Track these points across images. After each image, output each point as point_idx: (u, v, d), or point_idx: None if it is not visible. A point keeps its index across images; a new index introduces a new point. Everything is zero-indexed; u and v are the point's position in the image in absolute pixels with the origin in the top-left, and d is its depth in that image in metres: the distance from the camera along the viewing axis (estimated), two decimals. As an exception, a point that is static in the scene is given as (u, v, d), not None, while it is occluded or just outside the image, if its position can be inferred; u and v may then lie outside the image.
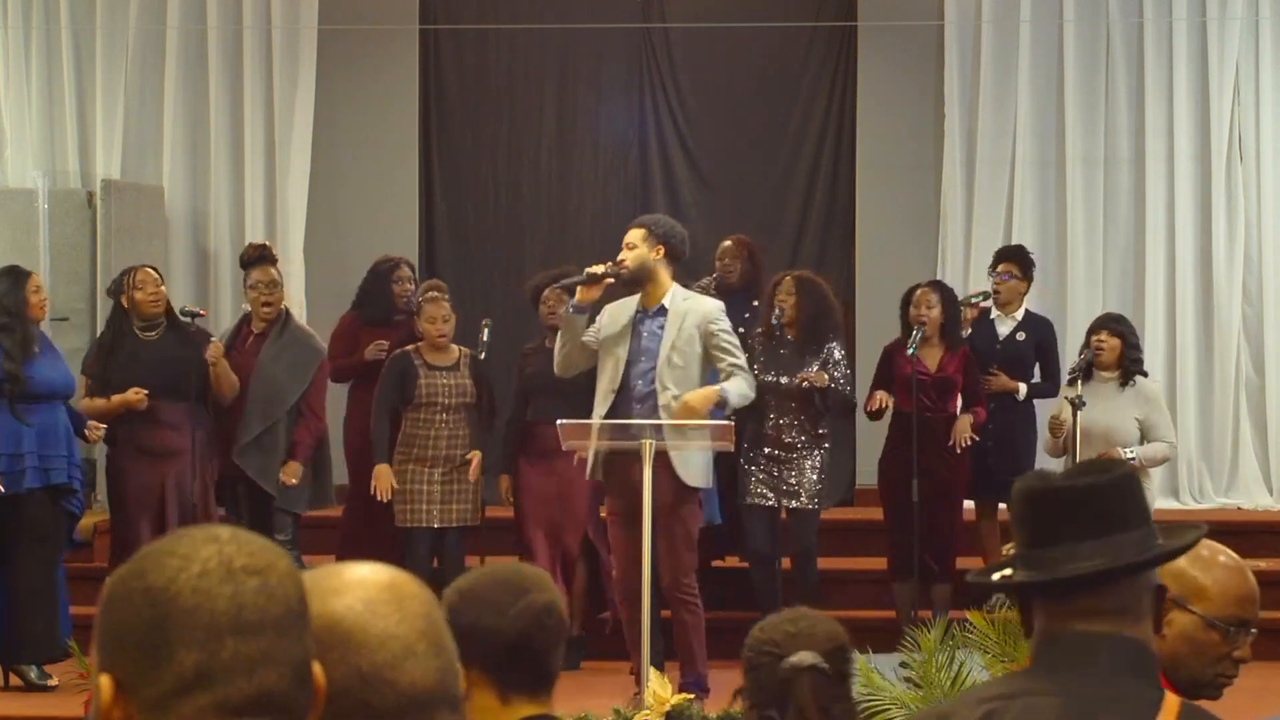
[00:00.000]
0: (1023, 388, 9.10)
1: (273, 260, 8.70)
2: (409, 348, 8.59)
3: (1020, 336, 9.25)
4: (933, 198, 11.07)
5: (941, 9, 10.99)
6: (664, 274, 7.33)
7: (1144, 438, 8.46)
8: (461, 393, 8.48)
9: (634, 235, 7.37)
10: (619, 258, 7.37)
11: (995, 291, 9.27)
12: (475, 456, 8.43)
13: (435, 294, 8.73)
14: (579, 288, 7.38)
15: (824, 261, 11.12)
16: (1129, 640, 2.42)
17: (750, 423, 8.48)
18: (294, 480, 8.38)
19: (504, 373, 9.27)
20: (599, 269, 7.35)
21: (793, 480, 8.43)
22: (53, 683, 7.97)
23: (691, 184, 11.42)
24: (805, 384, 8.33)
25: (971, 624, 7.12)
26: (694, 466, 7.35)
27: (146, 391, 8.14)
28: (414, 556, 8.23)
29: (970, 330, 9.14)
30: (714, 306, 7.44)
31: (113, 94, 10.96)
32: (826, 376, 8.40)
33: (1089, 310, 10.33)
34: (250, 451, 8.34)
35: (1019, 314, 9.32)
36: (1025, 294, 9.39)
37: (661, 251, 7.30)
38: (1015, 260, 9.37)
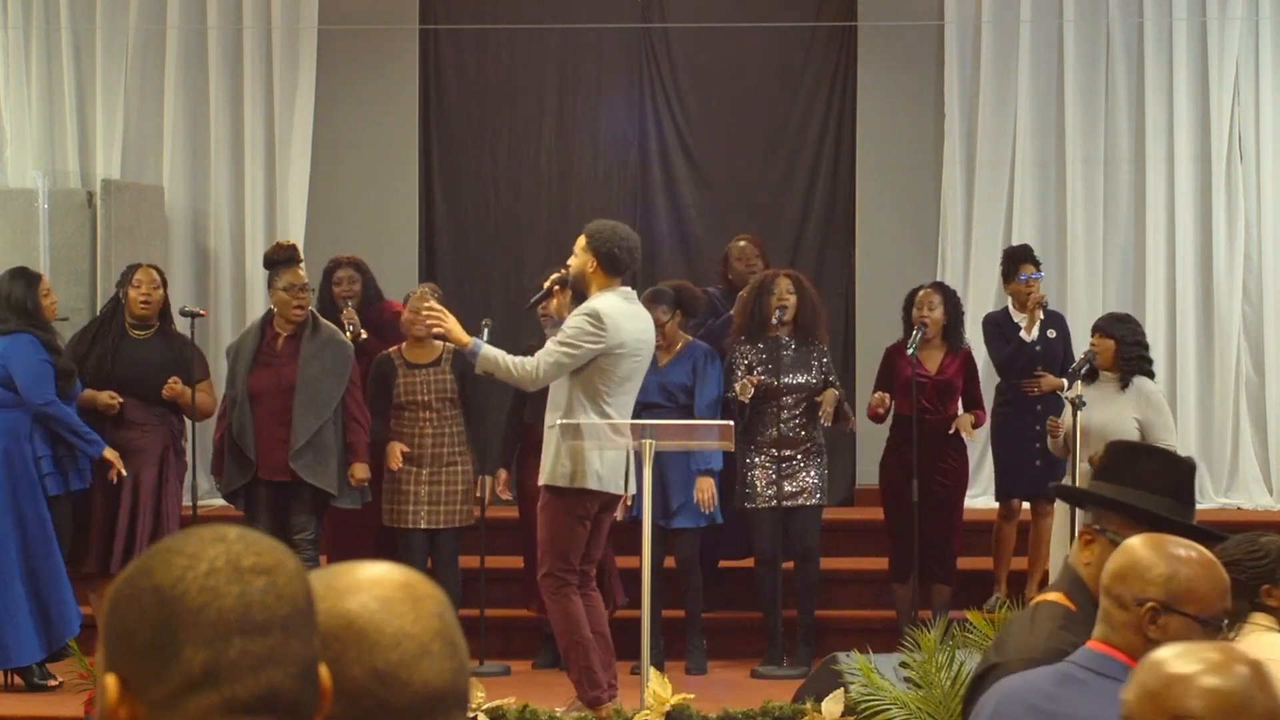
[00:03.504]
0: (1064, 383, 9.04)
1: (299, 260, 8.58)
2: (391, 349, 8.59)
3: (1051, 334, 9.23)
4: (933, 198, 11.07)
5: (941, 9, 10.99)
6: (595, 284, 7.21)
7: (1143, 438, 8.43)
8: (442, 389, 8.47)
9: (578, 242, 7.28)
10: (568, 261, 7.35)
11: (1028, 293, 9.19)
12: (484, 484, 8.53)
13: (425, 289, 8.74)
14: (547, 302, 7.47)
15: (824, 261, 11.13)
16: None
17: (752, 424, 8.49)
18: (366, 481, 8.30)
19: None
20: (553, 277, 7.43)
21: (796, 481, 8.44)
22: (54, 682, 7.98)
23: (691, 184, 11.42)
24: (828, 416, 8.40)
25: (971, 624, 7.12)
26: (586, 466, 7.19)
27: (121, 400, 8.14)
28: (408, 558, 8.21)
29: (1007, 341, 9.13)
30: (582, 306, 7.20)
31: (113, 94, 10.96)
32: (835, 393, 8.47)
33: (1089, 310, 10.32)
34: (304, 455, 8.18)
35: (1040, 313, 9.29)
36: None
37: (595, 263, 7.19)
38: (1031, 260, 9.34)
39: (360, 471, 8.30)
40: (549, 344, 7.21)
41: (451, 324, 7.22)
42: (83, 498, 8.18)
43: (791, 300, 8.53)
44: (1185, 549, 3.01)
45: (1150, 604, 2.97)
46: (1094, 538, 3.44)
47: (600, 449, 7.15)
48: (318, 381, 8.26)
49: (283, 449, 8.17)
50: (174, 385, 8.24)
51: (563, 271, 7.42)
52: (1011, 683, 3.13)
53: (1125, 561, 3.02)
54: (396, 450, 8.42)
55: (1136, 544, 3.04)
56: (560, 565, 7.21)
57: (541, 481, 7.26)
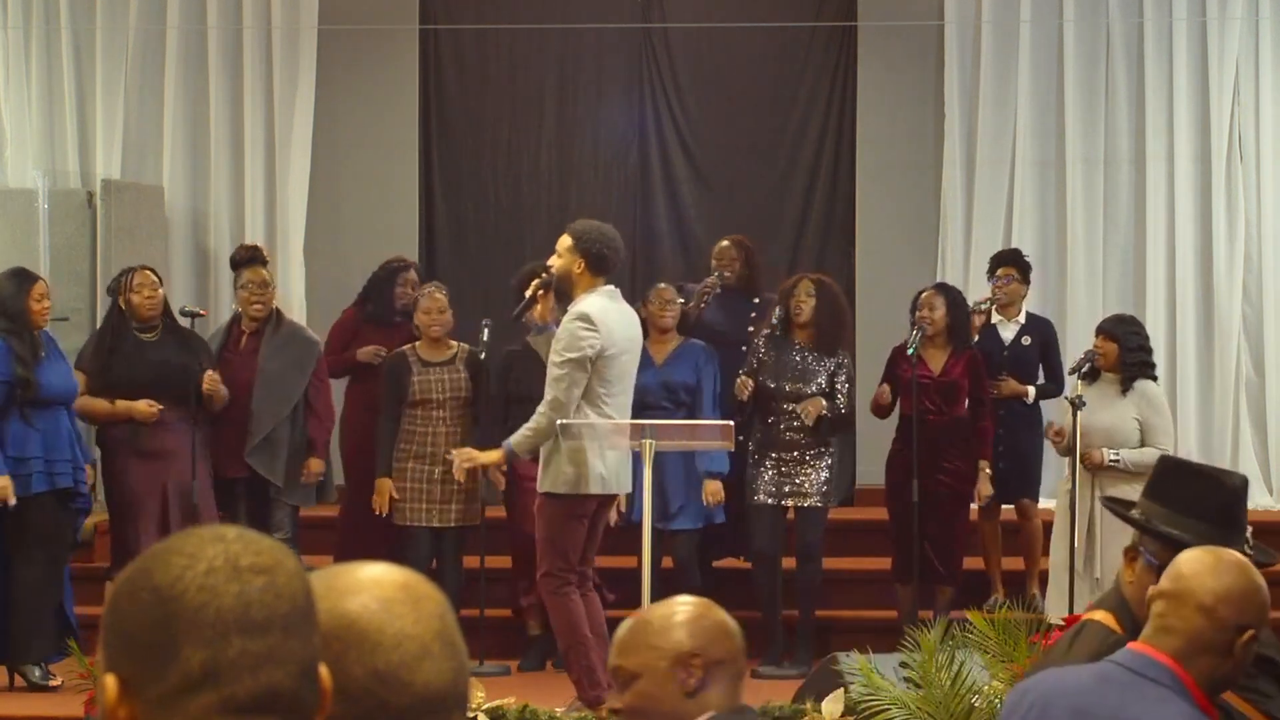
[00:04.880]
0: (1031, 391, 9.08)
1: (263, 261, 8.72)
2: (405, 347, 8.61)
3: (1026, 340, 9.24)
4: (933, 198, 11.06)
5: (941, 9, 10.98)
6: (581, 285, 7.20)
7: (1143, 439, 8.41)
8: (456, 388, 8.48)
9: (562, 242, 7.25)
10: (549, 262, 7.34)
11: (997, 297, 9.24)
12: (459, 456, 8.42)
13: (432, 289, 8.75)
14: (532, 308, 7.47)
15: (824, 262, 11.12)
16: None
17: (759, 425, 8.48)
18: (320, 476, 8.40)
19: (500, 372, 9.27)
20: (534, 284, 7.41)
21: (800, 481, 8.43)
22: (55, 682, 7.97)
23: (691, 184, 11.42)
24: (809, 416, 8.35)
25: (971, 624, 7.12)
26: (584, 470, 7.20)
27: (161, 407, 8.16)
28: (413, 556, 8.22)
29: (979, 336, 9.12)
30: (571, 312, 7.18)
31: (113, 94, 10.96)
32: (823, 403, 8.39)
33: (1089, 310, 10.33)
34: (260, 450, 8.35)
35: (1020, 317, 9.32)
36: (1025, 296, 9.40)
37: (583, 264, 7.18)
38: (1014, 264, 9.36)
39: (315, 465, 8.39)
40: (550, 369, 7.17)
41: (479, 458, 7.35)
42: (120, 499, 8.18)
43: (809, 304, 8.50)
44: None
45: (1252, 631, 3.00)
46: (1136, 557, 3.49)
47: (602, 450, 7.15)
48: (279, 377, 8.39)
49: (242, 445, 8.30)
50: (213, 378, 8.24)
51: (544, 275, 7.40)
52: (1054, 680, 3.12)
53: (1242, 588, 3.01)
54: (387, 494, 8.41)
55: (1249, 567, 3.05)
56: (560, 565, 7.22)
57: (543, 489, 7.25)
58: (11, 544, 7.90)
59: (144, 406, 8.16)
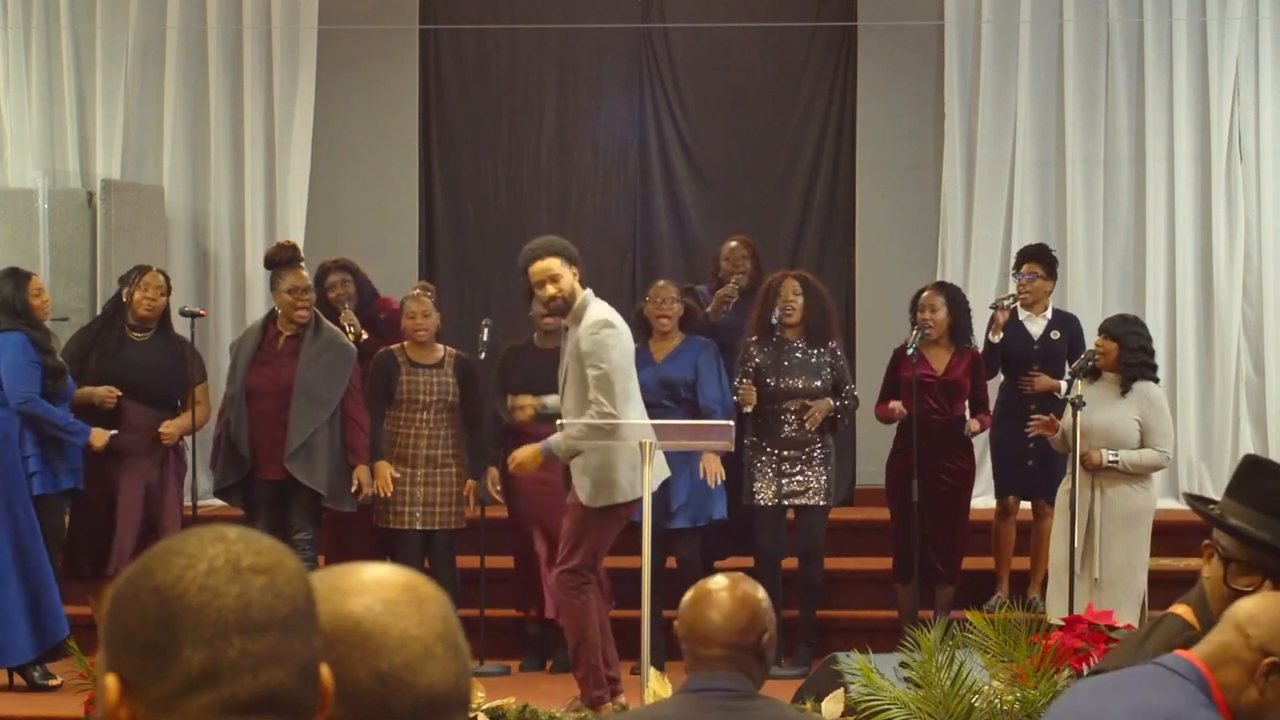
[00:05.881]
0: (1063, 385, 9.04)
1: (300, 260, 8.48)
2: (394, 346, 8.59)
3: (1055, 335, 9.21)
4: (933, 198, 11.07)
5: (941, 9, 10.98)
6: (579, 293, 7.21)
7: (1143, 439, 8.39)
8: (443, 391, 8.46)
9: (549, 267, 7.16)
10: (547, 296, 7.21)
11: (1025, 292, 9.19)
12: (471, 489, 8.51)
13: (419, 291, 8.73)
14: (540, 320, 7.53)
15: (824, 261, 11.13)
16: None
17: (758, 426, 8.48)
18: (368, 486, 8.29)
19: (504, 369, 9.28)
20: (543, 320, 7.59)
21: (800, 480, 8.43)
22: (55, 682, 7.97)
23: (691, 184, 11.42)
24: (814, 422, 8.34)
25: (971, 624, 7.12)
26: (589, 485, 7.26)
27: (119, 394, 8.13)
28: (404, 559, 8.19)
29: (1003, 334, 9.09)
30: (592, 321, 7.16)
31: (113, 94, 10.96)
32: (830, 404, 8.39)
33: (1089, 310, 10.32)
34: (299, 456, 8.15)
35: (1047, 313, 9.28)
36: (1051, 292, 9.36)
37: (578, 272, 7.22)
38: (1039, 259, 9.31)
39: (363, 475, 8.29)
40: (597, 383, 7.10)
41: (521, 456, 7.33)
42: (81, 498, 8.18)
43: (798, 302, 8.51)
44: None
45: (1272, 659, 2.98)
46: (1213, 552, 3.57)
47: (633, 462, 7.18)
48: (317, 383, 8.23)
49: (279, 449, 8.15)
50: (167, 429, 8.25)
51: (549, 310, 7.43)
52: (1091, 681, 3.19)
53: (1270, 609, 3.01)
54: (387, 474, 8.40)
55: None
56: (588, 564, 7.24)
57: (600, 503, 7.19)
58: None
59: (103, 391, 8.14)
